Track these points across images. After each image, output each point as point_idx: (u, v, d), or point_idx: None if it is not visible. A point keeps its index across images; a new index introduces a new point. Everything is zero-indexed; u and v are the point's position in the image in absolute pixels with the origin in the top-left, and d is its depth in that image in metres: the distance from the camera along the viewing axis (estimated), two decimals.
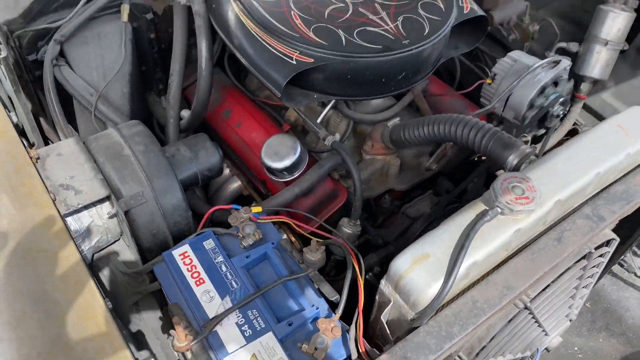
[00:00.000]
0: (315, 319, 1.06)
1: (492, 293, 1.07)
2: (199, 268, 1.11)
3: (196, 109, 1.59)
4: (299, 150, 1.41)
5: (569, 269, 1.29)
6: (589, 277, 1.43)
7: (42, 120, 1.64)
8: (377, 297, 1.13)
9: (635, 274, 2.63)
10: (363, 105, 1.71)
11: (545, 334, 1.47)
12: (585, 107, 2.03)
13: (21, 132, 1.55)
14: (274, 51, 1.34)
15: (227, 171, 1.67)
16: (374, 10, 1.45)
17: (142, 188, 1.20)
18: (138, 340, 1.14)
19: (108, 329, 0.96)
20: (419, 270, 1.03)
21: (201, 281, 1.09)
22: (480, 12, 1.53)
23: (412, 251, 1.06)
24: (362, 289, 1.10)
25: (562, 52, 1.94)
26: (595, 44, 1.86)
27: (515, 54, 1.73)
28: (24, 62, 1.53)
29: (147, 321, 1.17)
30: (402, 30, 1.40)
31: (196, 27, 1.53)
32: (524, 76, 1.65)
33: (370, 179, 1.65)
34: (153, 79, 1.82)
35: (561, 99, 1.69)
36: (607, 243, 1.40)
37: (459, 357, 1.23)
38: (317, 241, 1.14)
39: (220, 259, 1.13)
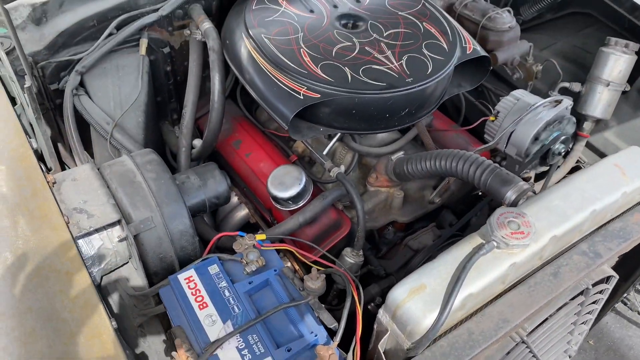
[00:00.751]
0: (314, 345, 1.08)
1: (487, 325, 1.09)
2: (203, 292, 1.15)
3: (207, 138, 1.65)
4: (303, 180, 1.45)
5: (566, 304, 1.31)
6: (587, 313, 1.45)
7: (60, 146, 1.71)
8: (375, 326, 1.15)
9: (639, 312, 2.61)
10: (368, 139, 1.76)
11: None
12: (589, 145, 2.06)
13: (40, 157, 1.61)
14: (283, 86, 1.41)
15: (235, 199, 1.72)
16: (380, 49, 1.52)
17: (152, 213, 1.25)
18: None
19: (114, 349, 1.00)
20: (416, 301, 1.06)
21: (204, 305, 1.13)
22: (483, 53, 1.59)
23: (410, 282, 1.09)
24: (360, 317, 1.12)
25: (565, 91, 1.99)
26: (598, 85, 1.91)
27: (518, 92, 1.78)
28: (46, 91, 1.60)
29: (151, 343, 1.20)
30: (406, 68, 1.46)
31: (210, 62, 1.60)
32: (526, 114, 1.69)
33: (374, 210, 1.69)
34: (168, 109, 1.90)
35: (562, 137, 1.73)
36: (606, 280, 1.41)
37: None
38: (318, 269, 1.18)
39: (223, 284, 1.17)
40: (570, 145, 1.81)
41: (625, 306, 2.58)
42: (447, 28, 1.62)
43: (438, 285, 1.07)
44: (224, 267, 1.21)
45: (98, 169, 1.32)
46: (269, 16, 1.60)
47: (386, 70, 1.45)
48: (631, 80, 1.93)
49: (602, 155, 2.03)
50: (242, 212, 1.72)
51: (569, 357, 1.51)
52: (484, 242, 1.12)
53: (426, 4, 1.72)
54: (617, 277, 1.42)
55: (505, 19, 1.91)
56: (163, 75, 1.78)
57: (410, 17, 1.65)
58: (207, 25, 1.62)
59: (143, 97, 1.60)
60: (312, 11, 1.64)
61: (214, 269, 1.20)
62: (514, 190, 1.28)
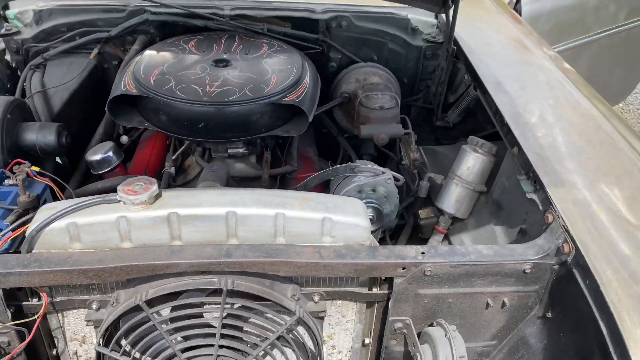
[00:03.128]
0: None
1: (90, 258, 1.30)
2: None
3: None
4: (109, 152, 1.84)
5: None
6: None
7: None
8: None
9: None
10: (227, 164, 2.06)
11: None
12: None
13: None
14: (121, 81, 1.86)
15: None
16: (213, 79, 1.86)
17: None
18: None
19: None
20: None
21: None
22: (300, 106, 1.80)
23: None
24: None
25: (430, 180, 2.02)
26: (451, 180, 1.91)
27: (361, 161, 1.93)
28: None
29: None
30: (215, 92, 1.78)
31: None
32: (346, 177, 1.83)
33: None
34: None
35: (373, 205, 1.80)
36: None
37: None
38: None
39: None
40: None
41: None
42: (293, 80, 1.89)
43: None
44: None
45: None
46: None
47: (198, 89, 1.79)
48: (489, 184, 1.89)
49: None
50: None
51: None
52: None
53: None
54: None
55: (379, 101, 2.08)
56: (110, 83, 2.37)
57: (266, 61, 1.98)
58: (134, 47, 2.18)
59: (74, 85, 2.18)
60: (204, 51, 2.08)
61: None
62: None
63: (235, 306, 1.40)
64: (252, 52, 2.08)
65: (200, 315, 1.41)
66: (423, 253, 1.40)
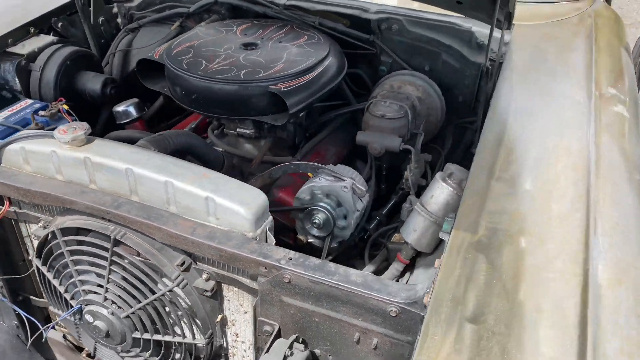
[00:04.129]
0: None
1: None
2: None
3: None
4: (131, 106, 2.10)
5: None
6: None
7: None
8: None
9: None
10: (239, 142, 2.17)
11: None
12: None
13: None
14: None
15: None
16: (227, 58, 1.97)
17: None
18: None
19: None
20: None
21: None
22: (282, 96, 1.80)
23: None
24: None
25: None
26: (416, 208, 1.71)
27: (340, 166, 1.86)
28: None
29: None
30: (214, 69, 1.89)
31: None
32: (310, 183, 1.79)
33: None
34: None
35: (322, 209, 1.73)
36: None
37: None
38: None
39: None
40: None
41: None
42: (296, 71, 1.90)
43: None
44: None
45: None
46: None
47: (203, 64, 1.92)
48: None
49: None
50: None
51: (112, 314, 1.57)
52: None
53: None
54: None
55: (384, 109, 1.94)
56: None
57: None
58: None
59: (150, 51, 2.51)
60: (245, 35, 2.20)
61: None
62: None
63: (126, 261, 1.51)
64: (286, 41, 2.13)
65: (103, 257, 1.56)
66: (290, 259, 1.33)
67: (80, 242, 1.56)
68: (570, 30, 2.14)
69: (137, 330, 1.58)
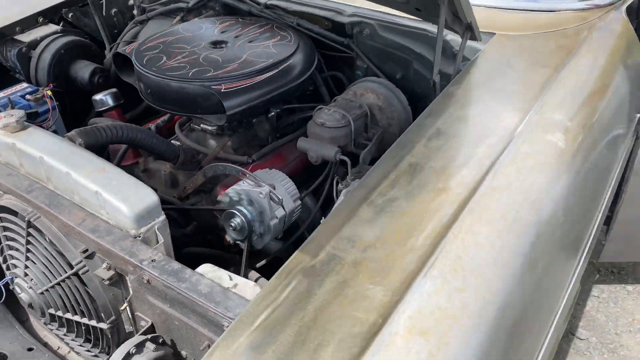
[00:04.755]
0: None
1: None
2: None
3: None
4: (107, 95, 2.23)
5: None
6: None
7: None
8: None
9: None
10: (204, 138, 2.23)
11: None
12: None
13: None
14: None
15: None
16: (189, 55, 2.03)
17: None
18: None
19: None
20: None
21: None
22: (219, 96, 1.82)
23: None
24: None
25: None
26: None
27: (269, 170, 1.86)
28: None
29: None
30: (169, 66, 1.96)
31: None
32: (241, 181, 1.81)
33: None
34: None
35: (236, 213, 1.74)
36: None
37: None
38: None
39: None
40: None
41: None
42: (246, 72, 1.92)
43: None
44: None
45: None
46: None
47: (161, 60, 1.99)
48: None
49: None
50: None
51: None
52: None
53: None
54: None
55: (324, 117, 1.89)
56: None
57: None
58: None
59: None
60: (222, 32, 2.24)
61: None
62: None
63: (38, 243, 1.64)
64: (259, 41, 2.15)
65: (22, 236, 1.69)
66: (154, 260, 1.36)
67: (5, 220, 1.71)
68: (556, 43, 1.94)
69: (52, 307, 1.71)
